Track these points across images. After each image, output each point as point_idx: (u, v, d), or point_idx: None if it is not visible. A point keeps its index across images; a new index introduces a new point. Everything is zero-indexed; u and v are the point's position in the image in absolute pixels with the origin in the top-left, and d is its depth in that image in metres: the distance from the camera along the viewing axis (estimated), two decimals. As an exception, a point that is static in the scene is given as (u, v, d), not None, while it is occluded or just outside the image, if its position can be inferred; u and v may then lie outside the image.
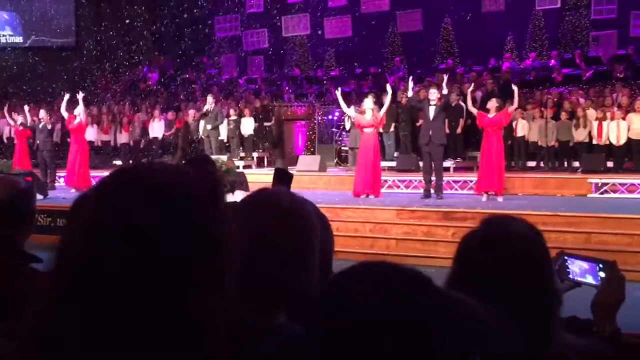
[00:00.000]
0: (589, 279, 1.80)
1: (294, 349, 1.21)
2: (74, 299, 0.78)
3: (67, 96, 14.75)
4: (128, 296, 0.77)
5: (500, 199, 11.67)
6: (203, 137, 16.98)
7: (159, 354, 0.78)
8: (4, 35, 23.89)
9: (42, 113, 15.91)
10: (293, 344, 1.21)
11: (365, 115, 12.47)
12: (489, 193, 11.81)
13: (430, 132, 11.84)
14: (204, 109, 16.51)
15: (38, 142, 15.82)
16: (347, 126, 15.87)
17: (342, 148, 16.76)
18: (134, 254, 0.78)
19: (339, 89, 13.68)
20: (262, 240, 1.26)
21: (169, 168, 0.89)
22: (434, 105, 11.95)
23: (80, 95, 14.47)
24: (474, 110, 12.45)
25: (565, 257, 1.85)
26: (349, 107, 13.72)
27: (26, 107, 16.13)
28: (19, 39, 23.90)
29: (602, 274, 1.78)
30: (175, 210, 0.82)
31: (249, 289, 1.17)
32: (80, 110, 14.37)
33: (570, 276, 1.83)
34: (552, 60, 18.56)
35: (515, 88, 12.12)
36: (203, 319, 0.81)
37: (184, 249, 0.80)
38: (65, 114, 15.02)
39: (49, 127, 15.61)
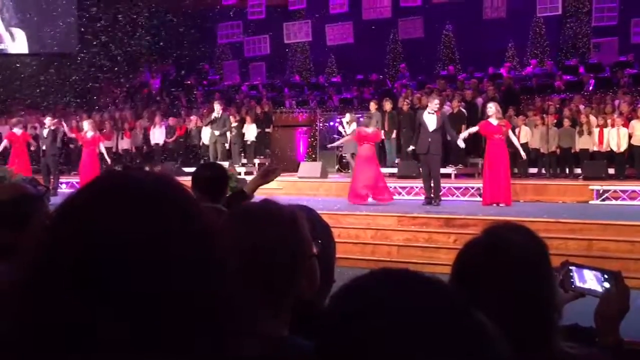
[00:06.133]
0: (594, 289, 1.79)
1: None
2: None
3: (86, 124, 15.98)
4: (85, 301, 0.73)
5: (502, 205, 11.61)
6: (209, 143, 16.99)
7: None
8: (4, 42, 23.90)
9: (48, 120, 16.07)
10: (298, 355, 1.21)
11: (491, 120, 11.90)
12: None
13: (430, 143, 11.68)
14: (212, 116, 16.50)
15: (44, 147, 15.89)
16: (347, 131, 15.75)
17: (344, 155, 16.74)
18: (93, 257, 0.74)
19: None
20: (256, 251, 1.31)
21: (145, 172, 0.87)
22: (434, 114, 11.81)
23: (87, 122, 15.96)
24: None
25: (570, 267, 1.84)
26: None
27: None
28: (18, 45, 23.91)
29: (606, 284, 1.77)
30: (147, 212, 0.79)
31: (250, 299, 1.22)
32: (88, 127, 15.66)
33: (575, 285, 1.82)
34: (547, 67, 18.57)
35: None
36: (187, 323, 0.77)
37: (155, 253, 0.76)
38: (71, 134, 16.67)
39: (53, 133, 15.75)
